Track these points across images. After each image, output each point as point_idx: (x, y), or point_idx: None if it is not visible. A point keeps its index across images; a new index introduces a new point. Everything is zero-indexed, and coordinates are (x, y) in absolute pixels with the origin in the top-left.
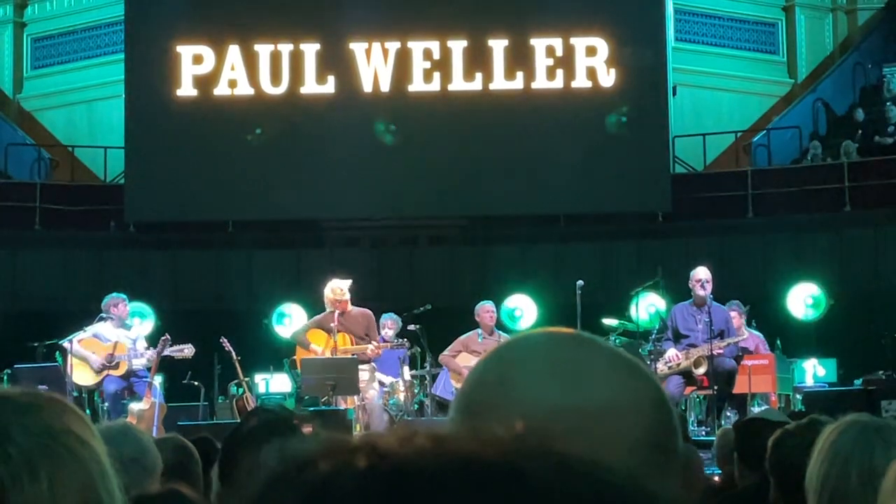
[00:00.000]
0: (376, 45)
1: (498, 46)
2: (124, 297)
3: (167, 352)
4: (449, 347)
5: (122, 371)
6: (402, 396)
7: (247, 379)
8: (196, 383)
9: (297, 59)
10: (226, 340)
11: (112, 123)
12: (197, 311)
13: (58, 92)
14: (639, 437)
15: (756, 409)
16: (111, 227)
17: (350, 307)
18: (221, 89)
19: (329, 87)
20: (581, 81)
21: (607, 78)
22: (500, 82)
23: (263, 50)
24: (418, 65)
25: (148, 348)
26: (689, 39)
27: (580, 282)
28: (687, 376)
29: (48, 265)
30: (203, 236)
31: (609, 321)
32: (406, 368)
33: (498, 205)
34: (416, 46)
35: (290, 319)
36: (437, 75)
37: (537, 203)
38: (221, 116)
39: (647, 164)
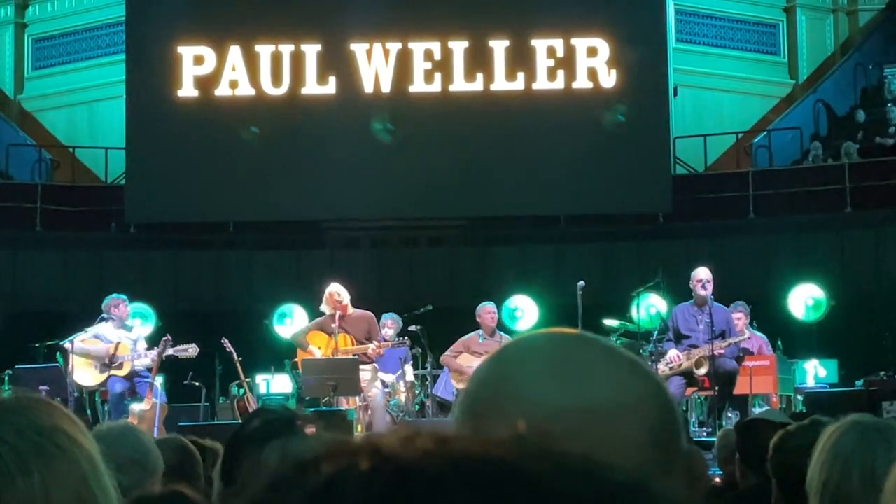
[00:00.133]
0: (377, 46)
1: (499, 47)
2: (125, 297)
3: (172, 351)
4: (450, 348)
5: (125, 371)
6: (403, 397)
7: (248, 380)
8: (197, 384)
9: (298, 59)
10: (227, 341)
11: (113, 124)
12: (197, 311)
13: (59, 92)
14: (642, 437)
15: (757, 410)
16: (112, 227)
17: (351, 310)
18: (222, 90)
19: (330, 87)
20: (582, 82)
21: (608, 79)
22: (501, 83)
23: (264, 51)
24: (419, 65)
25: (149, 349)
26: (690, 40)
27: (581, 283)
28: (688, 377)
29: (49, 266)
30: (204, 237)
31: (610, 322)
32: (409, 367)
33: (499, 205)
34: (417, 47)
35: (290, 320)
36: (438, 76)
37: (538, 204)
38: (222, 117)
39: (648, 165)
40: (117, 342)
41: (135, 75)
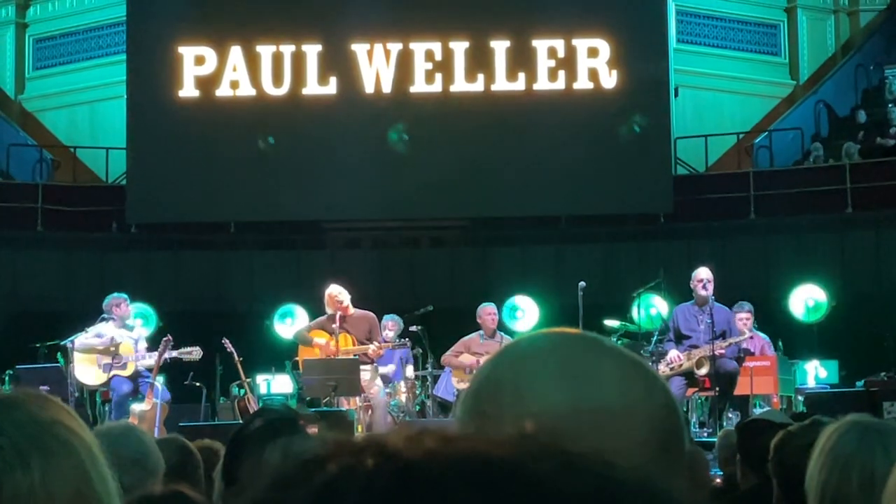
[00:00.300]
0: (378, 47)
1: (500, 48)
2: (125, 297)
3: (176, 354)
4: (451, 349)
5: (129, 372)
6: (403, 397)
7: (248, 380)
8: (198, 384)
9: (299, 60)
10: (228, 341)
11: (114, 124)
12: (198, 311)
13: (60, 93)
14: (646, 437)
15: (758, 411)
16: (113, 227)
17: (352, 310)
18: (223, 90)
19: (331, 88)
20: (583, 83)
21: (609, 79)
22: (501, 83)
23: (265, 51)
24: (420, 66)
25: (149, 349)
26: (690, 41)
27: (582, 283)
28: (689, 377)
29: (50, 266)
30: (204, 237)
31: (611, 322)
32: (410, 367)
33: (499, 206)
34: (418, 47)
35: (292, 320)
36: (438, 76)
37: (539, 204)
38: (223, 117)
39: (649, 166)
40: (119, 342)
41: (136, 75)
